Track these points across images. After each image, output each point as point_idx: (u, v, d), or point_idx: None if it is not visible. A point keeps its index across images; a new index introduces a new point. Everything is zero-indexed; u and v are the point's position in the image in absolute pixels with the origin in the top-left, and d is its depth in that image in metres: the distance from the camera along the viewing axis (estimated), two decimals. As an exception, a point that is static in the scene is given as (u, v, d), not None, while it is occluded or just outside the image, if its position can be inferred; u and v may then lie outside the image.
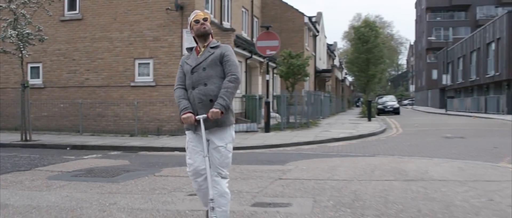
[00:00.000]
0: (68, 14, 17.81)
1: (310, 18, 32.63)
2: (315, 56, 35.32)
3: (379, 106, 38.28)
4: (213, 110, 3.99)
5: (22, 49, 13.67)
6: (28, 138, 14.11)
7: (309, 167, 8.33)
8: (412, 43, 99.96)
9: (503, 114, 31.29)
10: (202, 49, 4.29)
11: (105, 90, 17.30)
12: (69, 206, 5.50)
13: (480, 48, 41.22)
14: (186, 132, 4.28)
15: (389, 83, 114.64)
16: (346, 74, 62.50)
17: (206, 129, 4.08)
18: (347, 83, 71.55)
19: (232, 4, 21.53)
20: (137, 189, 6.51)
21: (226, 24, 20.31)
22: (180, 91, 4.30)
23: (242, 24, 23.74)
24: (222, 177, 4.17)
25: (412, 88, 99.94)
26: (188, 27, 4.41)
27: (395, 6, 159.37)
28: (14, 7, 13.39)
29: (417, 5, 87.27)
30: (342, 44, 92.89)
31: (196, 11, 4.44)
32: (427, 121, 27.02)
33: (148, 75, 16.92)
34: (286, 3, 28.99)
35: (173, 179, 7.34)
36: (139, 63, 17.03)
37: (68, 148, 13.06)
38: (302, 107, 20.29)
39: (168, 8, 16.27)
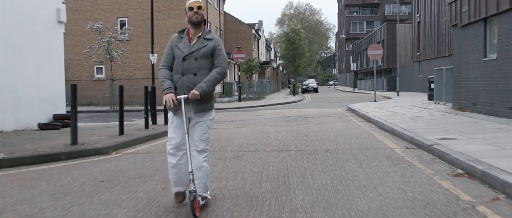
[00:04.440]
0: (120, 36, 30.74)
1: (255, 28, 46.75)
2: (258, 54, 49.39)
3: (303, 87, 52.18)
4: (194, 91, 4.23)
5: (113, 61, 26.80)
6: (115, 108, 27.16)
7: (266, 111, 22.41)
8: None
9: (384, 91, 46.75)
10: (196, 38, 4.42)
11: (146, 81, 30.47)
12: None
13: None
14: (169, 112, 4.54)
15: (320, 65, 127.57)
16: (280, 60, 77.05)
17: (195, 112, 4.42)
18: (281, 68, 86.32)
19: (212, 26, 35.16)
20: (222, 116, 20.37)
21: (209, 40, 33.98)
22: (165, 71, 4.46)
23: (215, 37, 37.31)
24: (199, 151, 4.48)
25: (334, 71, 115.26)
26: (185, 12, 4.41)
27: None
28: (113, 40, 26.47)
29: (338, 1, 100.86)
30: (275, 30, 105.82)
31: None
32: (331, 95, 41.90)
33: (172, 72, 30.38)
34: (240, 20, 42.79)
35: (229, 113, 21.22)
36: (166, 66, 30.37)
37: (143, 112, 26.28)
38: (255, 88, 34.42)
39: (183, 36, 29.77)
